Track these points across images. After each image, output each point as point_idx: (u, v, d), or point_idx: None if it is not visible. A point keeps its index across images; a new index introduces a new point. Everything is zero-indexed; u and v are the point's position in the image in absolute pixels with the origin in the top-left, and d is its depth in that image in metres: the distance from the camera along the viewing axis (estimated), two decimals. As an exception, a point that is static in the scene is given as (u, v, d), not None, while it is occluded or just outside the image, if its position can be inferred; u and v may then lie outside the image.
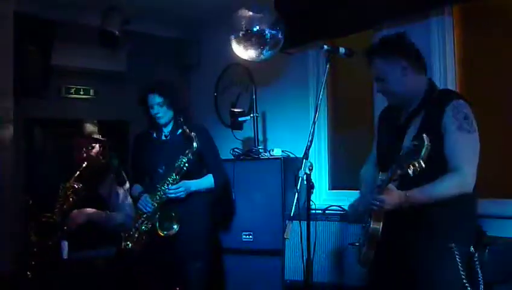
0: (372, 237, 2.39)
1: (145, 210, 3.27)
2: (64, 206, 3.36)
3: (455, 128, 2.32)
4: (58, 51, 4.85)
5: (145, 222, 3.29)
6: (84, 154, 3.55)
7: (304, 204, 2.52)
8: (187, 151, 3.28)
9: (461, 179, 2.31)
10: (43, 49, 4.75)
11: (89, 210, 3.48)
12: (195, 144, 3.27)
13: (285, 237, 2.34)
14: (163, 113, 3.38)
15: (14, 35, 3.97)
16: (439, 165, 2.31)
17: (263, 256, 3.93)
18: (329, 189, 4.42)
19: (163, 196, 3.28)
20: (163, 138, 3.48)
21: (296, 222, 2.36)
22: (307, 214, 2.49)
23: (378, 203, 2.30)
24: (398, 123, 2.56)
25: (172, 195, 3.28)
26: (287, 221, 2.36)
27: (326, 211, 3.72)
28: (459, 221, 2.42)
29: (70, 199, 3.38)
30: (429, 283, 2.36)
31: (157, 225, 3.27)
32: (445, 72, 3.45)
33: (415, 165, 2.00)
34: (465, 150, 2.33)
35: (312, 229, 2.49)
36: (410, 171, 2.01)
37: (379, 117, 2.83)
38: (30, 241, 3.26)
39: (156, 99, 3.36)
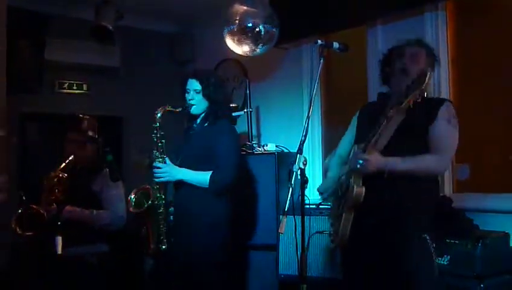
0: (356, 199, 2.43)
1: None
2: (51, 197, 3.33)
3: (446, 119, 2.49)
4: (51, 45, 4.83)
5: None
6: (74, 149, 3.52)
7: (298, 199, 2.52)
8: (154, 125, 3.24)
9: (441, 160, 2.47)
10: (36, 44, 4.72)
11: (73, 209, 3.45)
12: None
13: (279, 231, 2.35)
14: (196, 102, 3.28)
15: (6, 30, 3.94)
16: (420, 144, 2.47)
17: (257, 251, 3.94)
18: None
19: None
20: (192, 131, 3.40)
21: (290, 217, 2.37)
22: (301, 208, 2.49)
23: (362, 162, 2.38)
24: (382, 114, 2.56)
25: (156, 180, 3.22)
26: (281, 216, 2.37)
27: (320, 206, 3.72)
28: (429, 211, 2.51)
29: (56, 190, 3.34)
30: (410, 274, 2.39)
31: (133, 201, 3.26)
32: (439, 66, 3.46)
33: (416, 95, 2.17)
34: (450, 140, 2.51)
35: (306, 224, 2.49)
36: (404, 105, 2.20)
37: (359, 112, 2.86)
38: (17, 234, 3.24)
39: (194, 84, 3.28)
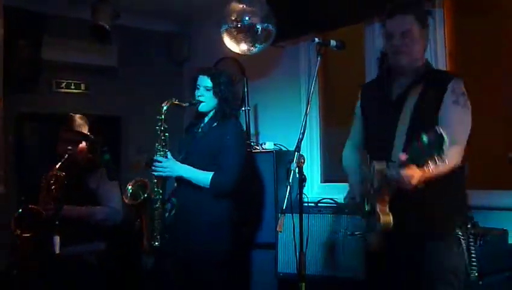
0: (385, 228, 2.27)
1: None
2: (49, 196, 3.32)
3: (451, 102, 2.34)
4: (48, 45, 4.82)
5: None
6: (68, 147, 3.51)
7: (296, 197, 2.52)
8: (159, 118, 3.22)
9: (459, 148, 2.27)
10: (34, 43, 4.72)
11: (67, 207, 3.44)
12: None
13: (278, 230, 2.34)
14: (206, 99, 3.26)
15: (4, 29, 3.94)
16: None
17: (256, 249, 3.94)
18: (321, 182, 4.44)
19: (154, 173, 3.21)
20: (199, 130, 3.35)
21: (288, 215, 2.36)
22: (299, 207, 2.49)
23: (405, 179, 2.10)
24: (391, 99, 2.50)
25: (155, 173, 3.19)
26: (279, 214, 2.36)
27: (319, 204, 3.73)
28: (459, 206, 2.44)
29: (53, 188, 3.34)
30: (436, 271, 2.35)
31: (130, 192, 3.23)
32: (436, 64, 3.46)
33: (436, 160, 1.89)
34: (460, 123, 2.33)
35: (305, 222, 2.50)
36: (430, 165, 1.92)
37: (362, 95, 2.73)
38: (16, 235, 3.23)
39: (205, 81, 3.26)
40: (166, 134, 3.24)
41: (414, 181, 2.08)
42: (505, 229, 2.94)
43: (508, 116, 3.21)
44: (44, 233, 3.23)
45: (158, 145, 3.23)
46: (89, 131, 3.64)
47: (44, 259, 3.27)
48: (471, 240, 2.49)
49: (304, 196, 2.55)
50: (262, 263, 3.86)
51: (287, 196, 2.35)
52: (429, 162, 1.90)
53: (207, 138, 3.27)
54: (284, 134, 4.41)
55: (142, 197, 3.22)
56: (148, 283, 4.18)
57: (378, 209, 2.28)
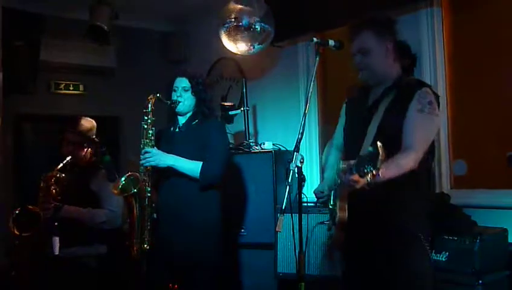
0: (340, 223, 2.42)
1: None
2: (48, 198, 3.32)
3: (416, 110, 2.37)
4: (46, 46, 4.82)
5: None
6: (72, 150, 3.51)
7: (296, 197, 2.52)
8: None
9: (415, 154, 2.28)
10: (32, 44, 4.71)
11: (69, 207, 3.44)
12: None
13: (277, 230, 2.34)
14: (184, 99, 3.29)
15: (2, 31, 3.94)
16: (396, 141, 2.34)
17: (255, 250, 3.94)
18: (320, 182, 4.43)
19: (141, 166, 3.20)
20: (177, 130, 3.38)
21: (287, 215, 2.36)
22: (298, 207, 2.49)
23: (350, 183, 2.17)
24: (366, 106, 2.57)
25: (143, 162, 3.17)
26: (278, 214, 2.36)
27: (318, 204, 3.72)
28: (421, 209, 2.44)
29: (52, 189, 3.33)
30: (404, 275, 2.36)
31: (122, 183, 3.19)
32: (435, 63, 3.48)
33: (372, 174, 1.98)
34: (421, 130, 2.36)
35: (304, 222, 2.49)
36: (368, 179, 2.01)
37: (347, 99, 2.84)
38: (14, 235, 3.23)
39: (183, 82, 3.30)
40: (153, 128, 3.25)
41: (358, 186, 2.13)
42: (505, 228, 2.94)
43: (506, 116, 3.21)
44: (43, 234, 3.22)
45: (145, 140, 3.21)
46: (95, 134, 3.65)
47: (43, 260, 3.27)
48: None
49: (303, 196, 2.55)
50: (262, 263, 3.85)
51: (286, 196, 2.35)
52: (366, 173, 1.98)
53: (190, 136, 3.29)
54: (282, 134, 4.42)
55: (132, 191, 3.14)
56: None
57: (337, 205, 2.43)
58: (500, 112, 3.25)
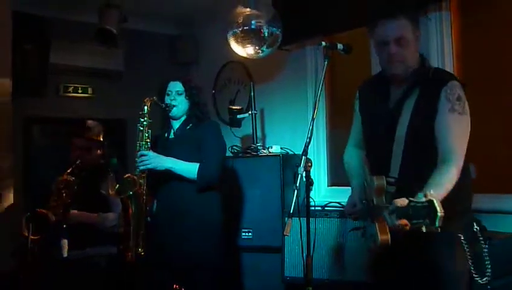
0: (382, 247, 2.21)
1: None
2: (59, 201, 3.33)
3: (447, 110, 2.24)
4: (56, 49, 4.84)
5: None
6: (81, 154, 3.53)
7: (303, 201, 2.52)
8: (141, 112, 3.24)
9: (456, 168, 2.16)
10: (41, 47, 4.74)
11: (79, 213, 3.45)
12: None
13: (285, 234, 2.34)
14: (178, 103, 3.31)
15: (12, 34, 3.96)
16: (430, 145, 2.25)
17: (263, 253, 3.93)
18: (328, 186, 4.43)
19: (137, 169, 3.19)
20: (172, 135, 3.40)
21: (295, 219, 2.36)
22: (306, 210, 2.49)
23: (399, 228, 1.99)
24: (388, 106, 2.42)
25: (140, 165, 3.17)
26: (286, 218, 2.36)
27: (326, 208, 3.73)
28: (461, 211, 2.37)
29: (63, 193, 3.35)
30: (440, 275, 2.30)
31: (119, 185, 3.20)
32: (444, 67, 3.45)
33: (429, 228, 1.81)
34: (458, 135, 2.23)
35: (312, 226, 2.50)
36: (423, 229, 1.82)
37: (359, 94, 2.68)
38: (24, 238, 3.24)
39: (176, 86, 3.33)
40: (149, 130, 3.26)
41: (407, 228, 1.94)
42: (514, 233, 2.93)
43: (516, 119, 3.19)
44: (52, 236, 3.24)
45: (141, 142, 3.22)
46: (103, 137, 3.66)
47: (51, 262, 3.28)
48: (482, 243, 2.44)
49: (310, 199, 2.56)
50: (269, 266, 3.85)
51: (294, 200, 2.35)
52: (421, 225, 1.81)
53: (185, 139, 3.31)
54: (290, 138, 4.41)
55: (129, 193, 3.14)
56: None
57: (377, 227, 2.21)
58: (510, 116, 3.23)
